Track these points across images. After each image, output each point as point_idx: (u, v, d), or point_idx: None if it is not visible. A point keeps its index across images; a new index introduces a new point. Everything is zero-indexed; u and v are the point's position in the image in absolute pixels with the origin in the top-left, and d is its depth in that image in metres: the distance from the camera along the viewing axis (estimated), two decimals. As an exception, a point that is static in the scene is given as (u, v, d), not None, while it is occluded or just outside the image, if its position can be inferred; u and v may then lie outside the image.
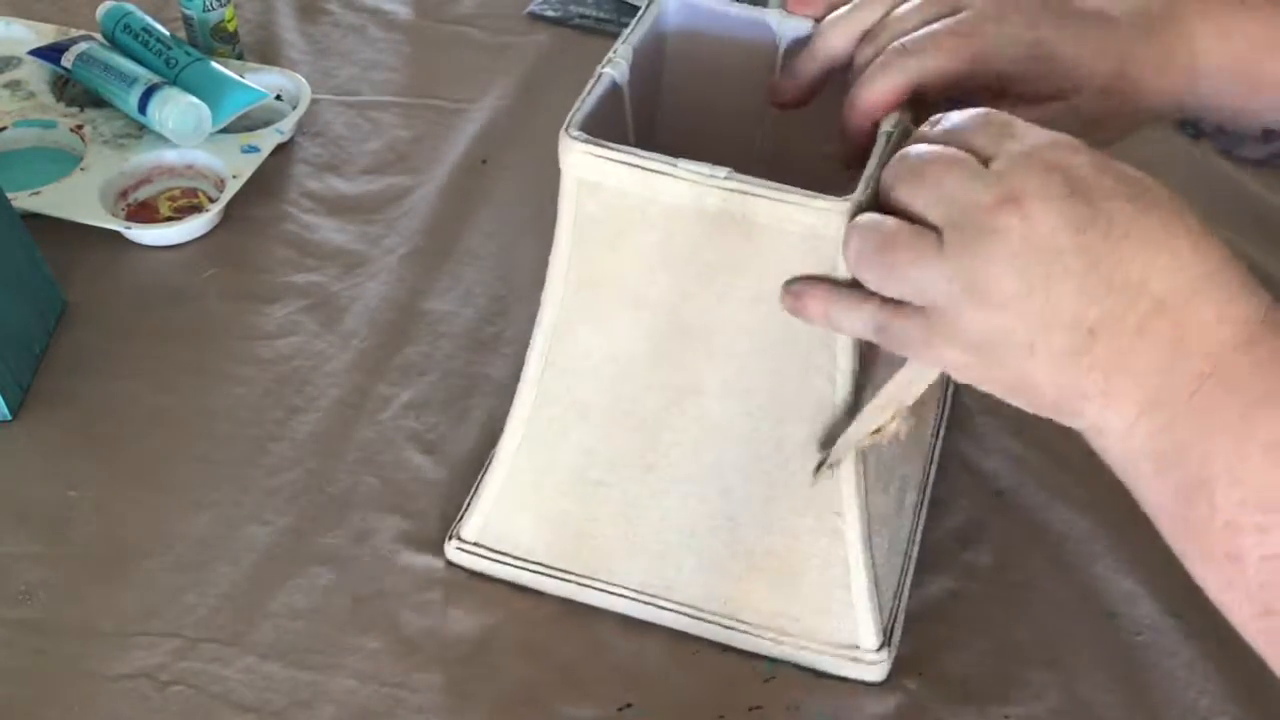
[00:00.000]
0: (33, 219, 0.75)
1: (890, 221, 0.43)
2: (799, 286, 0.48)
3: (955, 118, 0.44)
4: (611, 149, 0.49)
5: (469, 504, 0.61)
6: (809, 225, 0.47)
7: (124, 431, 0.68)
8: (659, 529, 0.57)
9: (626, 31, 0.55)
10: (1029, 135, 0.42)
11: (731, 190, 0.48)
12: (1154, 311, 0.40)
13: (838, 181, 0.48)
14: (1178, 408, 0.40)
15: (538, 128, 0.89)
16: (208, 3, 0.90)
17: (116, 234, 0.78)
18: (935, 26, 0.50)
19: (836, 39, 0.53)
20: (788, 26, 0.57)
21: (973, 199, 0.41)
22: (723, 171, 0.48)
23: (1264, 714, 0.57)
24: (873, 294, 0.45)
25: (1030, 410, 0.44)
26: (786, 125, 0.59)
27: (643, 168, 0.49)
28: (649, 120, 0.60)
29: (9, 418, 0.67)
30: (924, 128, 0.46)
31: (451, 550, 0.61)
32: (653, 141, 0.60)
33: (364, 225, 0.81)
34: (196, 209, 0.81)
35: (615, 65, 0.54)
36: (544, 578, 0.60)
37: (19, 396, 0.68)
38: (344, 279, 0.77)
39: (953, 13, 0.51)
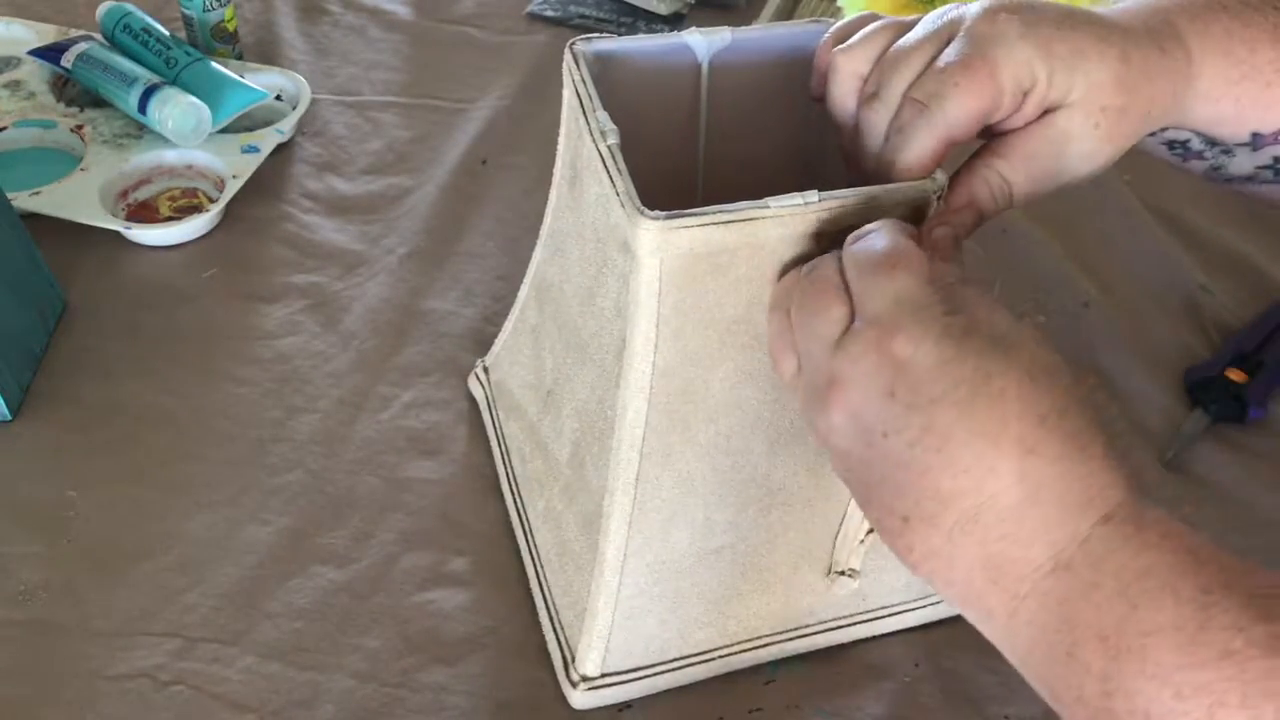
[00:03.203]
0: (33, 219, 0.75)
1: (829, 287, 0.44)
2: None
3: (863, 247, 0.43)
4: (696, 215, 0.46)
5: (561, 635, 0.58)
6: (906, 208, 0.46)
7: (124, 431, 0.68)
8: (794, 559, 0.56)
9: (593, 100, 0.51)
10: (883, 300, 0.41)
11: (829, 210, 0.46)
12: (964, 524, 0.39)
13: (786, 184, 0.47)
14: (998, 620, 0.40)
15: (538, 128, 0.89)
16: (208, 3, 0.90)
17: (116, 234, 0.78)
18: (942, 65, 0.47)
19: (848, 88, 0.50)
20: (706, 43, 0.54)
21: (812, 364, 0.43)
22: (814, 195, 0.46)
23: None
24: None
25: None
26: (719, 142, 0.58)
27: (737, 220, 0.46)
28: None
29: (9, 418, 0.67)
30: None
31: (579, 697, 0.56)
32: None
33: (364, 225, 0.81)
34: (196, 209, 0.81)
35: (614, 133, 0.50)
36: (691, 668, 0.58)
37: (19, 396, 0.68)
38: (344, 279, 0.77)
39: (948, 40, 0.48)
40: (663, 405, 0.49)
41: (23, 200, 0.77)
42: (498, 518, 0.64)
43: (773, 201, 0.46)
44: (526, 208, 0.82)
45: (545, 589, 0.59)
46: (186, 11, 0.91)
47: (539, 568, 0.60)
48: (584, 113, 0.50)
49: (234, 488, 0.65)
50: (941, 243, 0.45)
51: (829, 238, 0.47)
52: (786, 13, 0.98)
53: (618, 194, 0.46)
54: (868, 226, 0.44)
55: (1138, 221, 0.84)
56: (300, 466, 0.66)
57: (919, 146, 0.47)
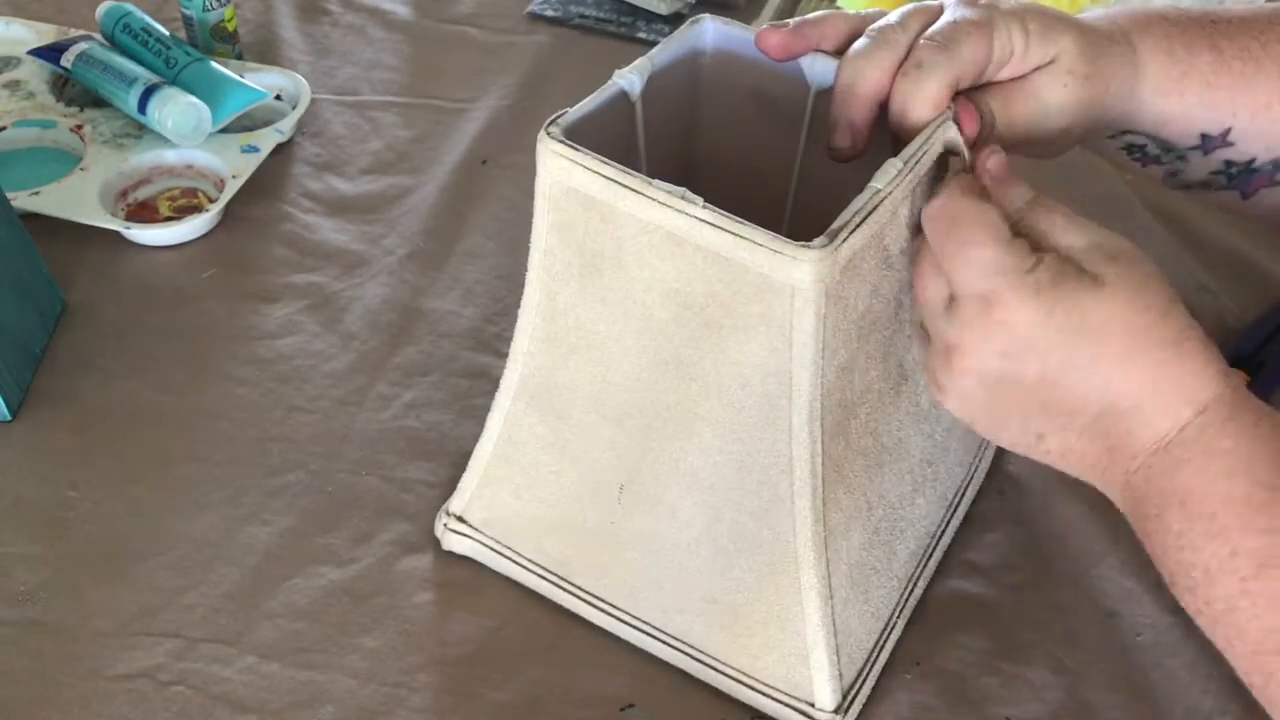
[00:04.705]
0: (33, 219, 0.75)
1: (925, 262, 0.48)
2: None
3: (937, 229, 0.47)
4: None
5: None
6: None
7: (124, 431, 0.68)
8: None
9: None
10: (970, 273, 0.46)
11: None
12: (1090, 425, 0.46)
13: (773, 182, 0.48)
14: (1112, 494, 0.48)
15: (538, 128, 0.88)
16: (208, 3, 0.90)
17: (116, 234, 0.78)
18: (952, 19, 0.52)
19: (877, 75, 0.52)
20: (817, 68, 0.55)
21: (935, 333, 0.48)
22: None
23: (1266, 714, 0.57)
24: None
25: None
26: (715, 142, 0.58)
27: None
28: (685, 140, 0.59)
29: (9, 418, 0.67)
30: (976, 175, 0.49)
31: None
32: (692, 162, 0.60)
33: (364, 225, 0.81)
34: (196, 209, 0.81)
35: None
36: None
37: (19, 396, 0.68)
38: (344, 279, 0.77)
39: (935, 16, 0.53)
40: (831, 424, 0.49)
41: (23, 200, 0.77)
42: (498, 518, 0.64)
43: (878, 182, 0.47)
44: (526, 208, 0.81)
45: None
46: (186, 11, 0.91)
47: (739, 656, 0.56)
48: (629, 190, 0.47)
49: (234, 488, 0.65)
50: (999, 169, 0.50)
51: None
52: (786, 13, 0.98)
53: (761, 245, 0.45)
54: (932, 203, 0.48)
55: (1138, 222, 0.84)
56: (300, 466, 0.66)
57: (940, 79, 0.50)
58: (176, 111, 0.81)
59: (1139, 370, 0.45)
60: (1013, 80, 0.54)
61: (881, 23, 0.53)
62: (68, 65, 0.86)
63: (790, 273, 0.44)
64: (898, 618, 0.59)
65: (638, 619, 0.57)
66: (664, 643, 0.57)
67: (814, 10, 0.98)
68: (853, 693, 0.55)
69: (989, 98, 0.54)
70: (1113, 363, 0.45)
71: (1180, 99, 0.58)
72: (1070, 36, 0.54)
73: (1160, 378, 0.45)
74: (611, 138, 0.51)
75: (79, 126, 0.85)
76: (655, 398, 0.52)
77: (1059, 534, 0.64)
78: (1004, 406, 0.47)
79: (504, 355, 0.56)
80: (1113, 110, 0.57)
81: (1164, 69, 0.57)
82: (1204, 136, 0.58)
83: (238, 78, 0.87)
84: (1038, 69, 0.54)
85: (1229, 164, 0.59)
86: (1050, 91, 0.54)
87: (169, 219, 0.80)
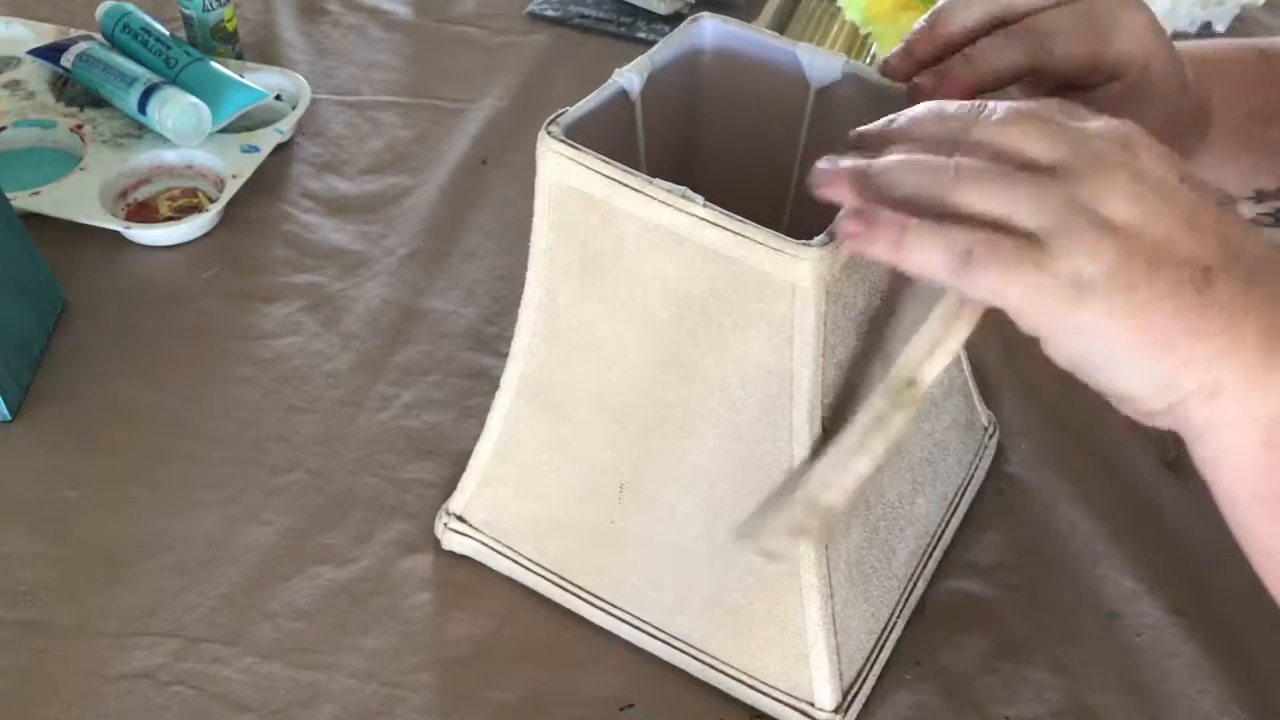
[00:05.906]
0: (33, 219, 0.75)
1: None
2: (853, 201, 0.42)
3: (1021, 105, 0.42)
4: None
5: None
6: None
7: (124, 431, 0.68)
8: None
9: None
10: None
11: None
12: (1259, 263, 0.39)
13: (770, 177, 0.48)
14: (1270, 349, 0.39)
15: (537, 128, 0.88)
16: (207, 2, 0.90)
17: (116, 234, 0.78)
18: (1072, 16, 0.50)
19: (964, 20, 0.51)
20: (817, 66, 0.55)
21: (1083, 138, 0.40)
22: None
23: (1266, 713, 0.57)
24: (960, 218, 0.40)
25: (1130, 371, 0.40)
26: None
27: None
28: (685, 139, 0.59)
29: (9, 418, 0.67)
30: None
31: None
32: (693, 161, 0.60)
33: (364, 225, 0.81)
34: (196, 209, 0.81)
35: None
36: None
37: (19, 396, 0.68)
38: (344, 279, 0.77)
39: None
40: (830, 422, 0.49)
41: (23, 200, 0.77)
42: (498, 518, 0.64)
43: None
44: (526, 208, 0.81)
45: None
46: (186, 11, 0.91)
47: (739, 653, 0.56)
48: (629, 189, 0.47)
49: (234, 488, 0.65)
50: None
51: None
52: (786, 13, 0.98)
53: (761, 243, 0.45)
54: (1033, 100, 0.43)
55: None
56: (300, 466, 0.66)
57: (1016, 52, 0.49)
58: (176, 111, 0.81)
59: None
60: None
61: None
62: (68, 65, 0.86)
63: (791, 271, 0.45)
64: (897, 617, 0.59)
65: (638, 619, 0.57)
66: (664, 642, 0.57)
67: (813, 13, 0.98)
68: (853, 692, 0.55)
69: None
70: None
71: (1239, 172, 0.57)
72: (1159, 117, 0.51)
73: None
74: (611, 137, 0.51)
75: (79, 126, 0.85)
76: (656, 396, 0.52)
77: (1059, 534, 0.64)
78: (1179, 211, 0.39)
79: (504, 355, 0.56)
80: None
81: (1233, 154, 0.56)
82: (1259, 192, 0.58)
83: (238, 78, 0.87)
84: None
85: (1278, 210, 0.59)
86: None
87: (169, 219, 0.80)
